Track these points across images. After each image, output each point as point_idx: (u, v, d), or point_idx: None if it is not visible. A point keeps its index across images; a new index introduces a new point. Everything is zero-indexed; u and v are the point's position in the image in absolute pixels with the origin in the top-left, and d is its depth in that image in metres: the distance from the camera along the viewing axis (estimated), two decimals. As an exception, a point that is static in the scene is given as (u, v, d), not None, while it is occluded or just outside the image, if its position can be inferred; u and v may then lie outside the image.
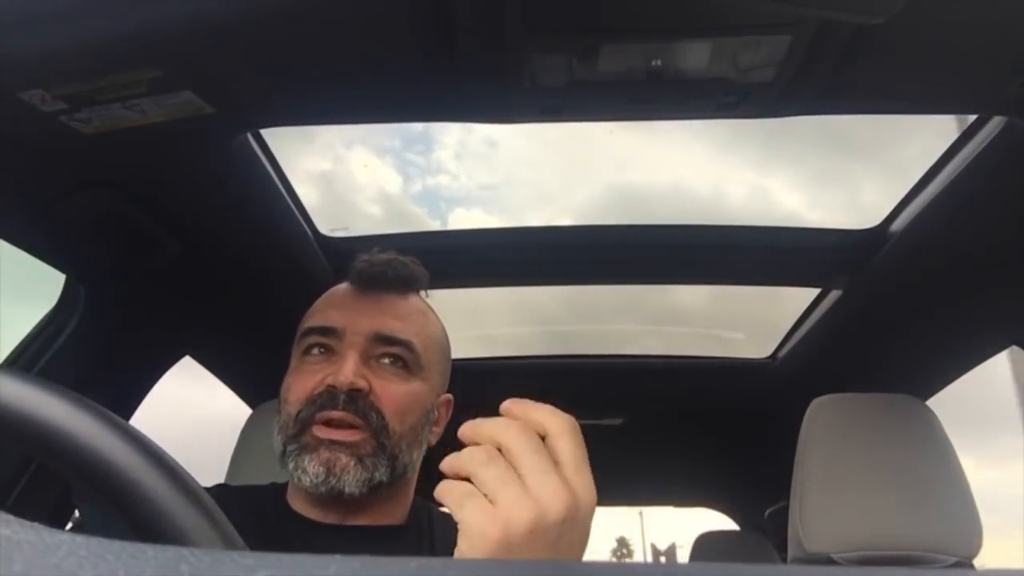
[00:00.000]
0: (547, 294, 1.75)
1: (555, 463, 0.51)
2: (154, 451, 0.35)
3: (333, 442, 0.82)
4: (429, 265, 0.97)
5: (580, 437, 0.53)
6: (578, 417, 0.54)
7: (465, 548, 0.51)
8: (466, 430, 0.54)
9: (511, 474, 0.50)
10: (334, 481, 0.80)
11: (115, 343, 1.26)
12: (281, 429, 0.86)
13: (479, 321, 1.84)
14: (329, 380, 0.83)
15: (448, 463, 0.53)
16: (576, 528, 0.51)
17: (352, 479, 0.81)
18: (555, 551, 0.49)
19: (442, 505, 0.53)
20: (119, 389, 1.31)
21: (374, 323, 0.87)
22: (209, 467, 1.23)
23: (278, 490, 0.92)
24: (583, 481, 0.52)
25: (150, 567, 0.21)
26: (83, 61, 0.76)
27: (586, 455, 0.52)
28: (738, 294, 1.71)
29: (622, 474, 2.49)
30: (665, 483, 2.63)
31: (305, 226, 1.28)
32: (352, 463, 0.81)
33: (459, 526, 0.50)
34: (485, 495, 0.50)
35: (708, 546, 2.18)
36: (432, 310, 0.98)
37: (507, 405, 0.54)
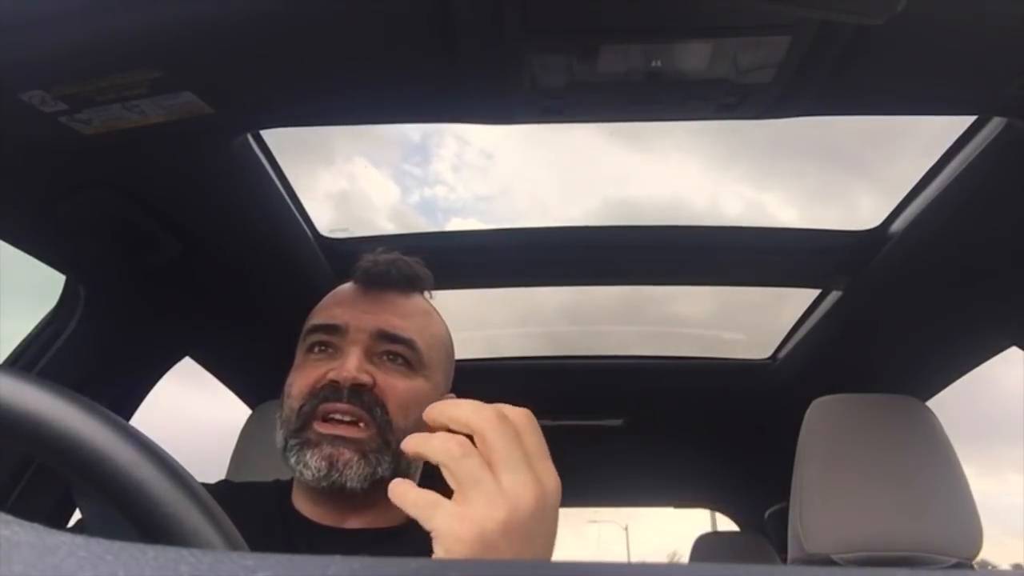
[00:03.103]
0: (549, 296, 1.75)
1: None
2: (155, 451, 0.35)
3: (336, 437, 0.81)
4: (430, 266, 0.97)
5: (539, 428, 0.53)
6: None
7: (442, 554, 0.51)
8: (433, 413, 0.54)
9: (485, 471, 0.50)
10: (336, 476, 0.80)
11: (115, 343, 1.26)
12: (283, 424, 0.86)
13: (481, 322, 1.84)
14: (332, 375, 0.83)
15: (415, 446, 0.52)
16: (545, 519, 0.51)
17: (355, 474, 0.81)
18: (530, 543, 0.50)
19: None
20: (119, 389, 1.31)
21: (377, 320, 0.87)
22: (209, 468, 1.23)
23: (282, 488, 0.92)
24: (548, 470, 0.52)
25: (150, 567, 0.21)
26: (83, 61, 0.76)
27: (545, 445, 0.53)
28: (738, 295, 1.71)
29: (622, 475, 2.49)
30: (665, 484, 2.63)
31: (305, 227, 1.28)
32: (356, 458, 0.81)
33: (432, 534, 0.50)
34: (455, 489, 0.50)
35: (708, 547, 2.17)
36: (436, 311, 0.98)
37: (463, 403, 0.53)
